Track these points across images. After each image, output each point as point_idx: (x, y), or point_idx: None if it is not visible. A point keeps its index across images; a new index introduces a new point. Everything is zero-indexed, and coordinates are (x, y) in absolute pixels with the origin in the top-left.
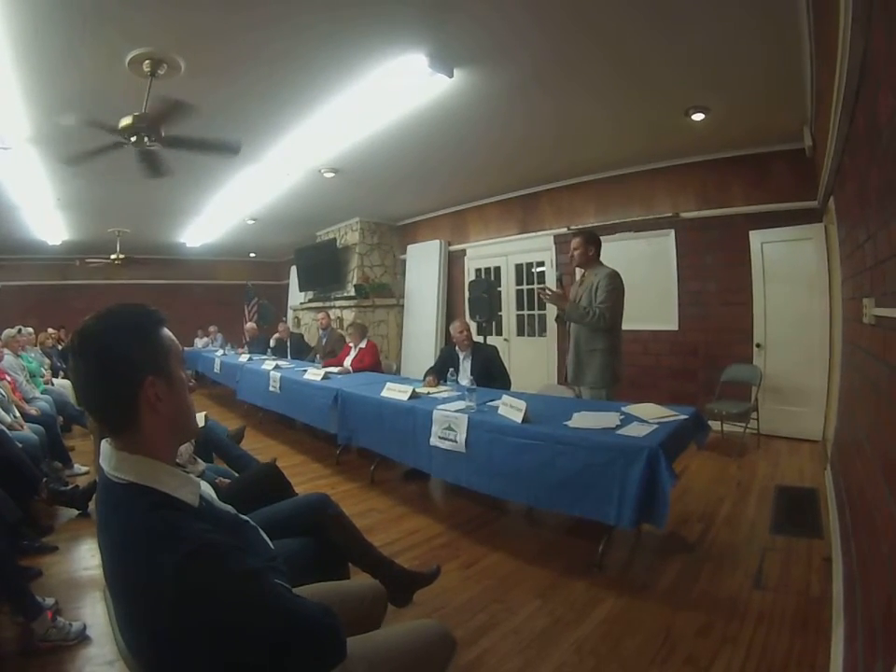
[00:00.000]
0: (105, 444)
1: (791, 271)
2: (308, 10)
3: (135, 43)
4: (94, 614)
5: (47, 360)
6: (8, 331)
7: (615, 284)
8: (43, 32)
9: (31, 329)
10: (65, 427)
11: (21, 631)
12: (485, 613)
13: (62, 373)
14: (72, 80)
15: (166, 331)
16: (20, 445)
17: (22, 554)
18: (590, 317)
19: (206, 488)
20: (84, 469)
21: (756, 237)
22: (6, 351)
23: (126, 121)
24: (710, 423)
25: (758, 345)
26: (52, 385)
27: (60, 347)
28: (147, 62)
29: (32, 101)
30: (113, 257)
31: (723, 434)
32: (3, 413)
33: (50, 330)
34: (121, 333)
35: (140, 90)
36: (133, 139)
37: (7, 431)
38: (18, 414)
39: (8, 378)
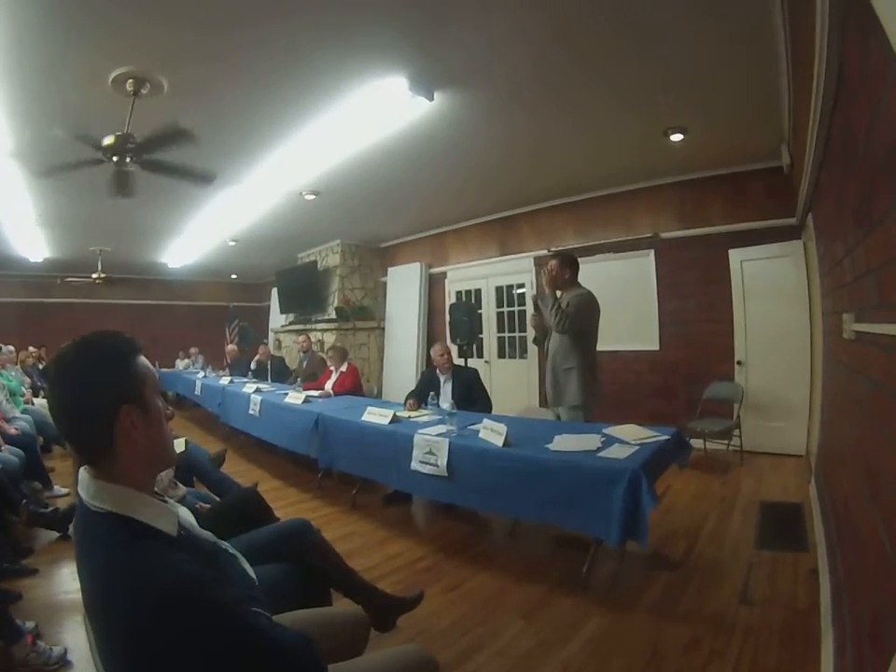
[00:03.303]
0: (83, 472)
1: (770, 287)
2: (290, 33)
3: (119, 62)
4: (75, 639)
5: (27, 379)
6: None
7: (584, 299)
8: (26, 45)
9: (11, 348)
10: (45, 448)
11: (1, 655)
12: (470, 636)
13: (42, 393)
14: (54, 96)
15: (142, 360)
16: None
17: (2, 577)
18: (554, 308)
19: (186, 514)
20: (64, 490)
21: (735, 255)
22: None
23: (109, 140)
24: (693, 441)
25: (739, 363)
26: (33, 404)
27: (41, 366)
28: (130, 80)
29: (13, 114)
30: (94, 276)
31: (706, 452)
32: None
33: (31, 349)
34: (96, 362)
35: (123, 108)
36: (115, 158)
37: None
38: None
39: None
